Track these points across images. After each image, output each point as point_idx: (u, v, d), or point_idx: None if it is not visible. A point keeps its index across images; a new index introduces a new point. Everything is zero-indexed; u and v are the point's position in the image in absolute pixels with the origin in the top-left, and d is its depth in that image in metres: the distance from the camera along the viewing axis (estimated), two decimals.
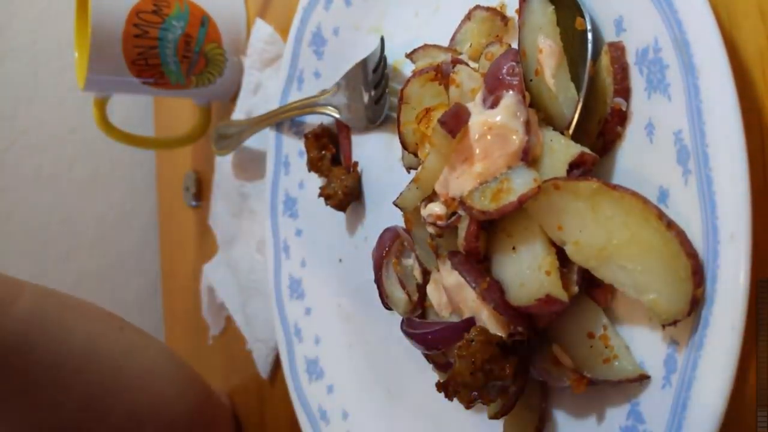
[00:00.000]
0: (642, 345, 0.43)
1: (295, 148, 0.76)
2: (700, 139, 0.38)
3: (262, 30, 0.89)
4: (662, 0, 0.40)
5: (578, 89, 0.45)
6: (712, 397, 0.37)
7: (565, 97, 0.45)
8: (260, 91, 0.89)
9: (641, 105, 0.42)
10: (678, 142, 0.39)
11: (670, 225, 0.38)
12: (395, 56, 0.65)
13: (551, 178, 0.43)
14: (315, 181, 0.73)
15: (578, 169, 0.43)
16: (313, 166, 0.70)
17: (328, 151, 0.70)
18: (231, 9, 0.94)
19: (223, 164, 0.96)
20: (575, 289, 0.44)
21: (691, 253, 0.37)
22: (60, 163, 1.34)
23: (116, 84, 0.91)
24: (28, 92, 1.30)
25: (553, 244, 0.44)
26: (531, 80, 0.47)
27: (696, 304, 0.38)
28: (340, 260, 0.71)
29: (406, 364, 0.63)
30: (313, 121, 0.74)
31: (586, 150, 0.43)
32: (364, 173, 0.69)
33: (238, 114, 0.91)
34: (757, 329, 0.39)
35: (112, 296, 1.42)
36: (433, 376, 0.58)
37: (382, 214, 0.66)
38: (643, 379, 0.42)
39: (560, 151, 0.44)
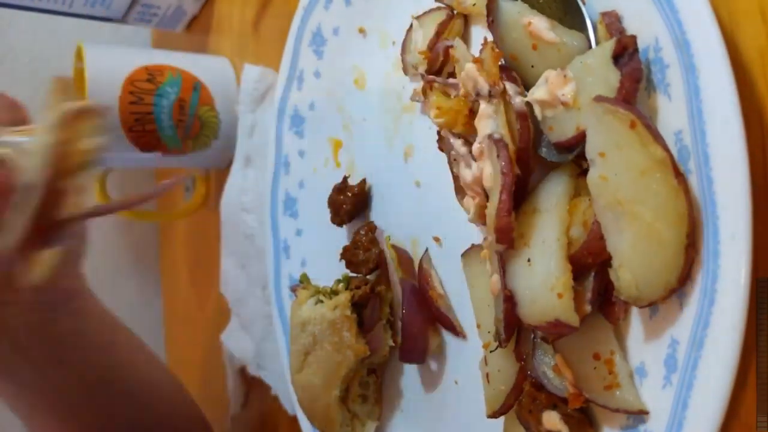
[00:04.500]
0: (642, 345, 0.43)
1: (295, 147, 0.76)
2: (701, 139, 0.38)
3: (251, 72, 0.91)
4: (663, 0, 0.40)
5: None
6: (712, 397, 0.37)
7: (571, 42, 0.45)
8: (256, 131, 0.90)
9: (641, 105, 0.42)
10: (678, 142, 0.39)
11: (691, 247, 0.38)
12: (396, 56, 0.65)
13: (640, 115, 0.40)
14: (315, 181, 0.73)
15: (622, 56, 0.41)
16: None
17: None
18: (220, 73, 0.98)
19: (227, 209, 0.96)
20: (588, 308, 0.43)
21: (683, 279, 0.38)
22: None
23: (116, 156, 0.94)
24: (28, 92, 1.30)
25: (569, 259, 0.43)
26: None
27: (653, 305, 0.39)
28: (341, 260, 0.71)
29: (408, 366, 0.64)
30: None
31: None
32: (365, 174, 0.69)
33: (238, 159, 0.92)
34: (757, 329, 0.39)
35: (112, 296, 1.41)
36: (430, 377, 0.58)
37: (383, 212, 0.67)
38: (642, 414, 0.41)
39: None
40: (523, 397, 0.47)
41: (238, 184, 0.92)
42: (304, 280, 0.70)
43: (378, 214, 0.68)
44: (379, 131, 0.67)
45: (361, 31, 0.69)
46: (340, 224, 0.69)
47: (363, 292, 0.63)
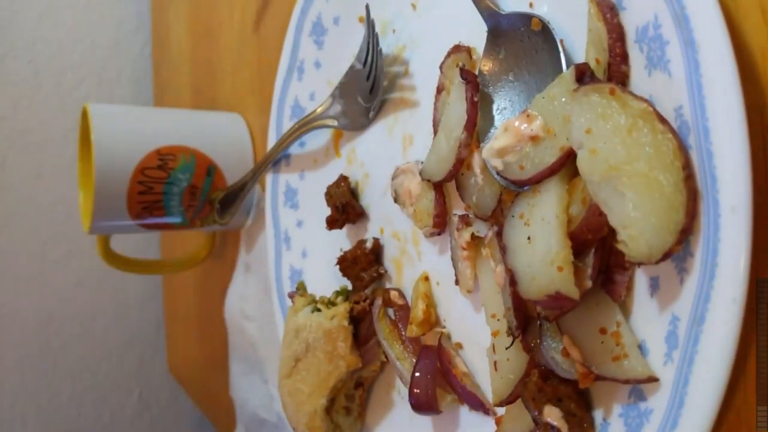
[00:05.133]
0: (643, 323, 0.43)
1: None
2: (701, 113, 0.38)
3: None
4: None
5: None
6: (713, 371, 0.37)
7: None
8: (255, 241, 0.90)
9: (642, 83, 0.42)
10: (678, 117, 0.39)
11: (689, 178, 0.38)
12: (396, 44, 0.65)
13: (610, 83, 0.42)
14: (316, 173, 0.73)
15: (584, 77, 0.43)
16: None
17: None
18: (238, 155, 0.91)
19: (231, 316, 0.96)
20: (588, 283, 0.43)
21: (690, 213, 0.38)
22: (60, 163, 1.34)
23: (120, 228, 0.90)
24: (28, 92, 1.31)
25: (569, 236, 0.43)
26: None
27: (668, 257, 0.38)
28: (341, 250, 0.71)
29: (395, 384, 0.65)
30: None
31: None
32: (365, 164, 0.69)
33: (239, 268, 0.93)
34: (757, 329, 0.39)
35: (112, 296, 1.42)
36: None
37: (383, 204, 0.67)
38: (652, 381, 0.41)
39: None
40: (529, 383, 0.47)
41: (239, 292, 0.93)
42: (301, 287, 0.70)
43: (376, 204, 0.68)
44: (379, 120, 0.67)
45: (362, 20, 0.69)
46: (340, 227, 0.69)
47: (362, 307, 0.64)
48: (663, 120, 0.39)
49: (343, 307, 0.63)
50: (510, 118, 0.48)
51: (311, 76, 0.74)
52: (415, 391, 0.57)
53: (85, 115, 0.87)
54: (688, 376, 0.38)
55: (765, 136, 0.39)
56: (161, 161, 0.85)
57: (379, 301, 0.63)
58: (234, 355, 0.97)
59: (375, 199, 0.68)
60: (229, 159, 0.90)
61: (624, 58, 0.43)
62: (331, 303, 0.65)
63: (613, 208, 0.40)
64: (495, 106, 0.52)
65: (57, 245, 1.36)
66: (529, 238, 0.45)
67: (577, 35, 0.47)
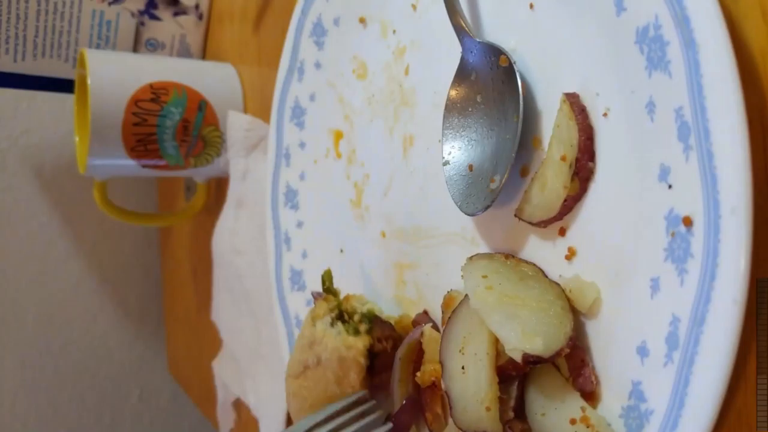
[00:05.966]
0: (644, 323, 0.43)
1: (295, 139, 0.76)
2: (701, 114, 0.38)
3: (239, 119, 0.91)
4: None
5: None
6: (714, 372, 0.37)
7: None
8: (249, 176, 0.90)
9: (642, 84, 0.42)
10: (679, 118, 0.40)
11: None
12: (396, 45, 0.65)
13: (504, 253, 0.51)
14: (316, 173, 0.73)
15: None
16: None
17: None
18: (228, 91, 0.96)
19: (219, 250, 0.96)
20: (510, 414, 0.47)
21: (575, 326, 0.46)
22: (60, 163, 1.34)
23: (116, 168, 0.94)
24: (28, 92, 1.31)
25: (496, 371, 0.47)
26: None
27: (559, 356, 0.44)
28: (342, 251, 0.71)
29: None
30: None
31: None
32: (365, 164, 0.69)
33: (230, 201, 0.92)
34: (757, 330, 0.39)
35: (112, 297, 1.42)
36: None
37: (384, 205, 0.67)
38: None
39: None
40: None
41: (229, 226, 0.92)
42: (328, 279, 0.65)
43: (376, 204, 0.68)
44: (380, 121, 0.67)
45: (362, 20, 0.69)
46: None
47: (383, 347, 0.62)
48: (550, 281, 0.47)
49: (362, 344, 0.61)
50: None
51: (311, 77, 0.74)
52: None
53: (81, 60, 0.91)
54: (689, 377, 0.38)
55: (765, 136, 0.39)
56: (154, 94, 0.90)
57: (403, 350, 0.61)
58: (218, 286, 0.97)
59: (375, 199, 0.68)
60: (219, 97, 0.95)
61: (591, 156, 0.46)
62: (354, 329, 0.63)
63: (504, 324, 0.45)
64: (467, 138, 0.54)
65: (57, 246, 1.36)
66: (463, 368, 0.48)
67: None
